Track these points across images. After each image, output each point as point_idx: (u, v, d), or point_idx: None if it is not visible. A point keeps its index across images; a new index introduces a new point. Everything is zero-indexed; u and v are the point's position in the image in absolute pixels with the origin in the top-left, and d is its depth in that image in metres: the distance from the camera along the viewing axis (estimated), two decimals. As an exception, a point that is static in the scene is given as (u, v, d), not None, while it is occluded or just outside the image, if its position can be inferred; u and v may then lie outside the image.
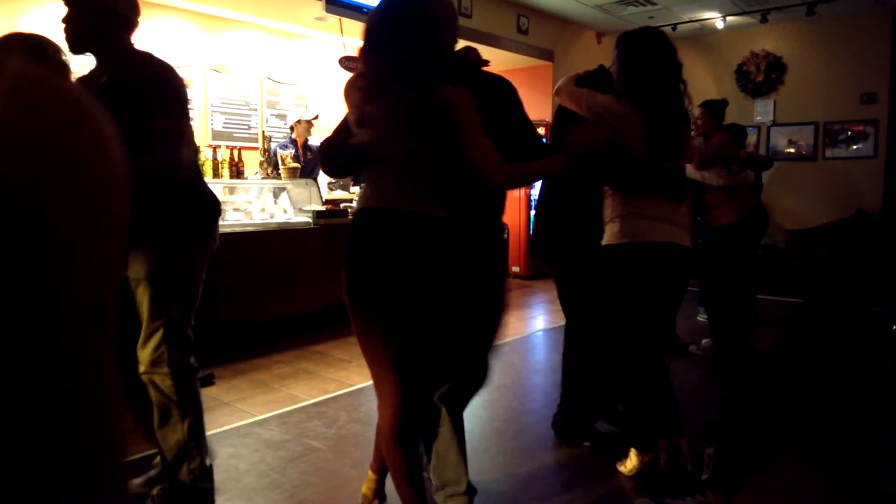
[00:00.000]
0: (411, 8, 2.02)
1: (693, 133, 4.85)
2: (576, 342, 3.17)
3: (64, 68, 2.38)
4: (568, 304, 3.16)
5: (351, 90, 2.11)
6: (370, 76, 2.07)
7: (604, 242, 2.75)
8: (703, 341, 4.82)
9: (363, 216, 2.08)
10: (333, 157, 2.26)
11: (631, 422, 2.89)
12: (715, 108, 4.83)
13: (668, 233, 2.69)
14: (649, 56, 2.67)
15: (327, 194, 6.19)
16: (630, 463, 2.85)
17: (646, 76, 2.64)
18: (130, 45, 2.37)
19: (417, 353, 2.13)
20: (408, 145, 2.02)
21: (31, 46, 2.33)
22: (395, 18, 2.02)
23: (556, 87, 2.88)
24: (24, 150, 0.44)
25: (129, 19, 2.34)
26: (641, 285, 2.71)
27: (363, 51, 2.08)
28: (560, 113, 2.94)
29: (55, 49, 2.38)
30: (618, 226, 2.70)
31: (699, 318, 5.60)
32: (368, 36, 2.07)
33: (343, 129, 2.15)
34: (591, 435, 3.16)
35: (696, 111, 4.87)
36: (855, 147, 8.21)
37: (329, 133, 2.26)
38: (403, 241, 2.01)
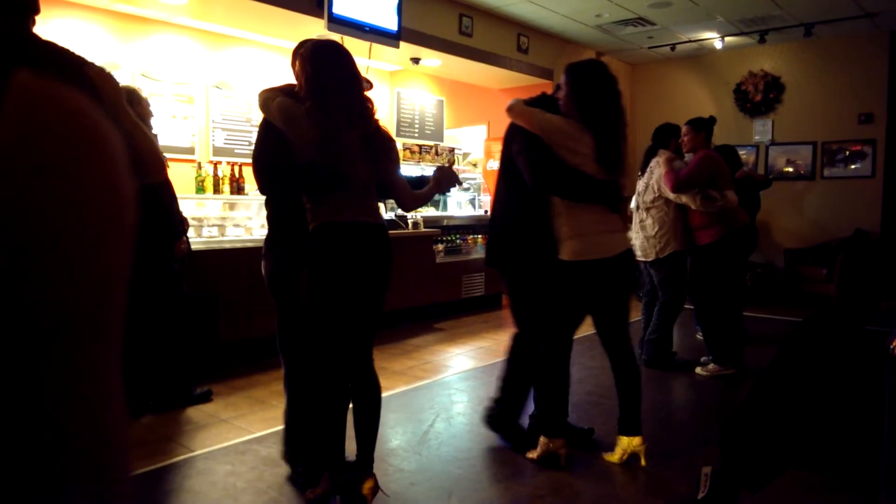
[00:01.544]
0: (352, 63, 2.58)
1: (683, 149, 4.89)
2: (524, 348, 3.39)
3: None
4: (520, 312, 3.41)
5: (306, 120, 2.45)
6: (330, 109, 2.46)
7: (565, 258, 3.06)
8: (710, 365, 4.80)
9: (335, 228, 2.51)
10: (285, 177, 2.62)
11: (544, 413, 3.22)
12: (699, 122, 4.83)
13: (621, 242, 3.12)
14: (596, 84, 3.05)
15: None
16: (539, 449, 3.17)
17: (594, 101, 3.02)
18: (32, 34, 2.01)
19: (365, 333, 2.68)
20: (367, 170, 2.55)
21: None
22: (345, 63, 2.56)
23: (507, 105, 3.18)
24: (18, 154, 0.44)
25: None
26: (601, 292, 3.12)
27: (315, 84, 2.48)
28: (511, 131, 3.25)
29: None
30: (578, 244, 3.04)
31: (698, 337, 5.59)
32: (318, 67, 2.50)
33: (281, 152, 2.53)
34: (511, 430, 3.45)
35: (683, 129, 4.89)
36: (853, 167, 8.25)
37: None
38: (374, 247, 2.57)
